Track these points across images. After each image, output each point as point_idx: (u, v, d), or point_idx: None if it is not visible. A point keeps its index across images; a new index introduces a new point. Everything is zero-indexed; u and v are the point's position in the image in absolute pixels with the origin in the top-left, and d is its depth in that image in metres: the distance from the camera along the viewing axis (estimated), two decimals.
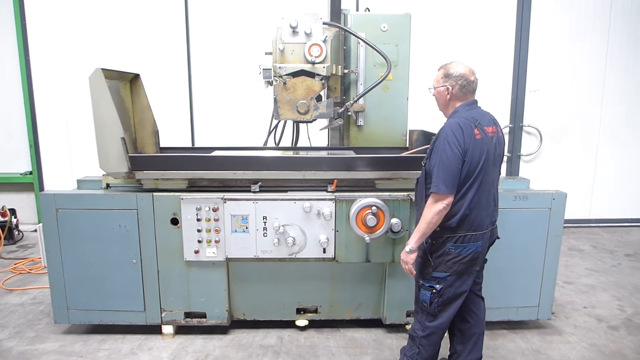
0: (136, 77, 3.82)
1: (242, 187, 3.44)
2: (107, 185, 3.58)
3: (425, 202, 2.59)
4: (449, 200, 2.51)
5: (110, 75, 3.45)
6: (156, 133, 3.91)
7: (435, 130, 2.82)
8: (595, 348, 3.46)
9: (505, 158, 6.56)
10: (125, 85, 3.78)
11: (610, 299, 4.30)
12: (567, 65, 6.39)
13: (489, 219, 2.67)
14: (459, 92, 2.65)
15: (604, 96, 6.47)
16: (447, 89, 2.66)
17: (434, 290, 2.66)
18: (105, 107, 3.26)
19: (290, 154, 3.83)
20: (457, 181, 2.50)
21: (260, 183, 3.38)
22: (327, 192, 3.36)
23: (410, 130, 4.05)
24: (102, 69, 3.25)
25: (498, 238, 2.85)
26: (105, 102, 3.25)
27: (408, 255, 2.67)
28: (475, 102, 2.72)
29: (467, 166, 2.51)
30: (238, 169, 3.35)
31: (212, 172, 3.37)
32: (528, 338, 3.59)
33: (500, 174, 2.80)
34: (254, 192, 3.33)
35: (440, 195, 2.50)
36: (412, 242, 2.63)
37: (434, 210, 2.52)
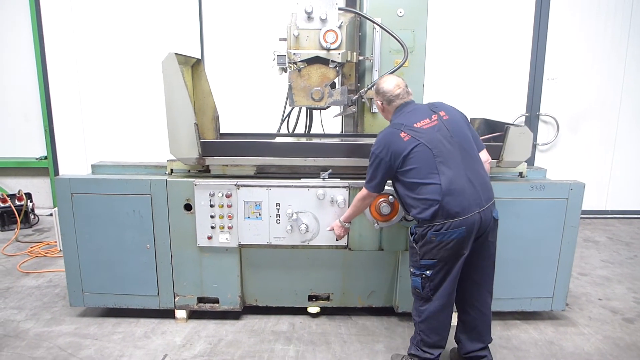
0: (198, 62, 3.77)
1: (311, 174, 3.44)
2: (171, 171, 3.60)
3: (397, 191, 2.85)
4: (373, 196, 2.95)
5: (178, 60, 3.37)
6: (216, 119, 3.86)
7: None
8: (610, 340, 3.43)
9: None
10: (188, 70, 3.73)
11: (626, 291, 4.24)
12: (586, 53, 6.25)
13: (474, 201, 2.60)
14: (388, 105, 2.93)
15: (623, 85, 6.33)
16: (379, 103, 2.98)
17: (423, 276, 2.71)
18: (178, 92, 3.25)
19: (361, 141, 3.75)
20: (382, 185, 2.84)
21: (330, 170, 3.36)
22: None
23: (471, 119, 3.98)
24: (175, 53, 3.21)
25: (496, 219, 2.76)
26: (178, 87, 3.24)
27: (340, 227, 3.17)
28: (406, 104, 2.89)
29: (410, 165, 2.66)
30: (309, 155, 3.35)
31: (283, 158, 3.38)
32: (542, 329, 3.56)
33: (482, 149, 2.89)
34: (324, 179, 3.32)
35: (366, 192, 2.90)
36: (343, 218, 3.15)
37: (359, 203, 3.00)
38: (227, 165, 3.45)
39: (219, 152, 3.39)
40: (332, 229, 3.24)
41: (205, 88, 3.80)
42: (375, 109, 3.92)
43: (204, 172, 3.54)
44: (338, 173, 3.41)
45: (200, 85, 3.80)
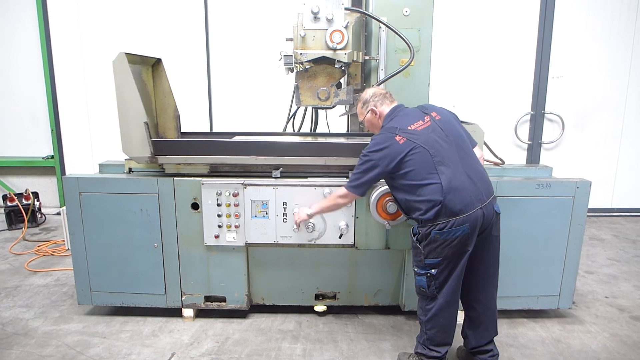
0: (158, 61, 3.82)
1: (263, 172, 3.45)
2: (130, 170, 3.61)
3: (395, 197, 2.82)
4: (353, 198, 2.89)
5: (133, 59, 3.46)
6: (177, 118, 3.91)
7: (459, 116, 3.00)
8: (617, 338, 3.42)
9: (525, 146, 6.49)
10: (147, 70, 3.78)
11: (633, 289, 4.24)
12: (592, 51, 6.23)
13: (475, 197, 2.62)
14: (382, 106, 2.93)
15: (629, 82, 6.30)
16: (372, 110, 2.95)
17: (428, 275, 2.71)
18: (129, 91, 3.28)
19: (311, 140, 3.81)
20: (366, 188, 2.80)
21: (281, 169, 3.38)
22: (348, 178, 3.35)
23: None
24: (125, 53, 3.25)
25: (498, 213, 2.79)
26: (129, 86, 3.27)
27: (306, 217, 3.12)
28: (395, 108, 2.91)
29: (407, 168, 2.64)
30: (260, 154, 3.35)
31: (234, 157, 3.38)
32: (548, 327, 3.56)
33: (475, 145, 2.91)
34: (275, 177, 3.34)
35: (347, 192, 2.83)
36: (311, 211, 3.09)
37: (336, 201, 2.94)
38: (180, 164, 3.45)
39: (171, 150, 3.39)
40: (295, 217, 3.21)
41: (166, 87, 3.84)
42: None
43: (161, 170, 3.54)
44: (289, 172, 3.43)
45: (160, 84, 3.85)
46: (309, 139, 3.83)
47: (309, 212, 3.11)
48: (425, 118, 2.77)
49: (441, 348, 2.83)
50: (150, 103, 3.81)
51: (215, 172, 3.49)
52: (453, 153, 2.67)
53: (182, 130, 4.03)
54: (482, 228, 2.67)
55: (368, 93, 3.00)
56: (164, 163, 3.44)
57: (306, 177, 3.40)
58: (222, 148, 3.38)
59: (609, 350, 3.27)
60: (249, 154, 3.36)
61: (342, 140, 3.76)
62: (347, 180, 2.87)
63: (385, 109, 2.93)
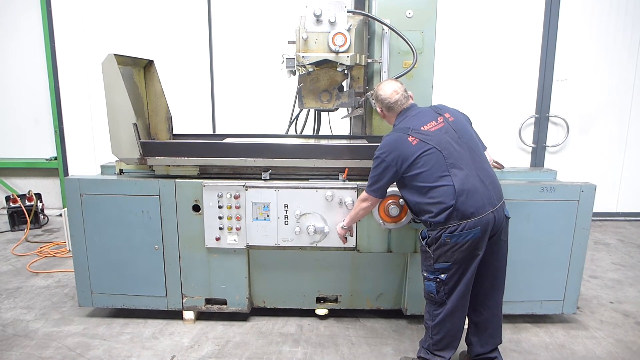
0: (150, 63, 3.83)
1: (253, 174, 3.44)
2: (121, 171, 3.61)
3: (405, 197, 2.81)
4: (375, 201, 2.88)
5: (124, 61, 3.46)
6: (169, 119, 3.92)
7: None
8: (622, 344, 3.38)
9: (529, 149, 6.45)
10: (139, 72, 3.79)
11: (638, 295, 4.19)
12: (597, 53, 6.19)
13: (487, 201, 2.59)
14: (387, 112, 2.91)
15: (634, 85, 6.25)
16: (379, 108, 2.95)
17: (438, 280, 2.67)
18: (118, 93, 3.28)
19: (300, 141, 3.79)
20: (385, 189, 2.81)
21: (270, 171, 3.37)
22: (339, 180, 3.36)
23: None
24: (115, 54, 3.26)
25: (508, 217, 2.77)
26: (118, 88, 3.27)
27: (343, 230, 3.18)
28: (409, 108, 2.86)
29: (418, 170, 2.62)
30: (249, 156, 3.35)
31: (223, 159, 3.37)
32: (552, 332, 3.52)
33: (485, 149, 2.90)
34: (265, 179, 3.34)
35: (368, 195, 2.84)
36: (344, 223, 3.15)
37: (360, 206, 2.94)
38: (170, 166, 3.44)
39: (160, 152, 3.38)
40: (338, 234, 3.25)
41: (158, 89, 3.85)
42: None
43: (151, 172, 3.54)
44: (279, 174, 3.42)
45: (152, 86, 3.86)
46: (299, 141, 3.81)
47: (343, 224, 3.17)
48: (439, 119, 2.74)
49: (446, 353, 2.80)
50: (142, 105, 3.81)
51: (205, 174, 3.48)
52: (465, 155, 2.65)
53: (175, 132, 4.03)
54: (492, 232, 2.65)
55: (380, 94, 2.88)
56: (153, 164, 3.43)
57: (308, 179, 3.39)
58: (210, 150, 3.38)
59: (613, 357, 3.23)
60: (238, 155, 3.36)
61: (333, 142, 3.74)
62: (367, 185, 2.83)
63: (394, 113, 2.90)
